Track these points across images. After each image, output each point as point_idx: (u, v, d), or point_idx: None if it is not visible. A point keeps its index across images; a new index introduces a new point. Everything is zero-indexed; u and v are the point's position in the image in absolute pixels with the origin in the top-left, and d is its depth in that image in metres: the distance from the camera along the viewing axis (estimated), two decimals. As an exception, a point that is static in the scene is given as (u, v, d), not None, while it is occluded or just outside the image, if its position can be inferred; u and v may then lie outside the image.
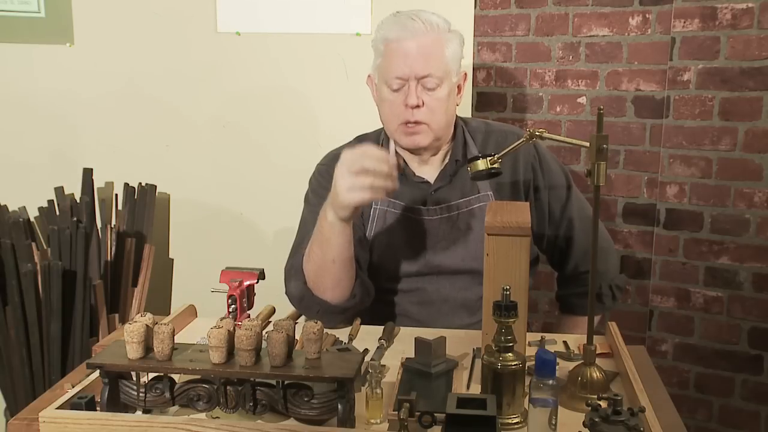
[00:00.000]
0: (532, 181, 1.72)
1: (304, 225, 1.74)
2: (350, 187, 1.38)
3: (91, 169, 2.40)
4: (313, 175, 1.78)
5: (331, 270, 1.52)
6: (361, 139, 1.79)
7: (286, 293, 1.65)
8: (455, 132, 1.74)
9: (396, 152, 1.62)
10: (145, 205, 2.40)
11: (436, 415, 1.04)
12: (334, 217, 1.46)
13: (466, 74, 1.71)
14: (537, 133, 1.44)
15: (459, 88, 1.69)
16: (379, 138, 1.77)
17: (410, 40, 1.59)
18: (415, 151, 1.68)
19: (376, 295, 1.68)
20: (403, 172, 1.67)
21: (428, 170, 1.72)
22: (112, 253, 2.33)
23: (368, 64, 2.37)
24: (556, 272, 1.82)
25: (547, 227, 1.74)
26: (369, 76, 1.73)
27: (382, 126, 1.73)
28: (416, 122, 1.61)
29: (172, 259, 2.58)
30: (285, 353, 1.10)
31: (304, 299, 1.58)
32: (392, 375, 1.31)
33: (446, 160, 1.72)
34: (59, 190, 2.38)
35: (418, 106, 1.59)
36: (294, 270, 1.61)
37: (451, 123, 1.70)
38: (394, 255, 1.68)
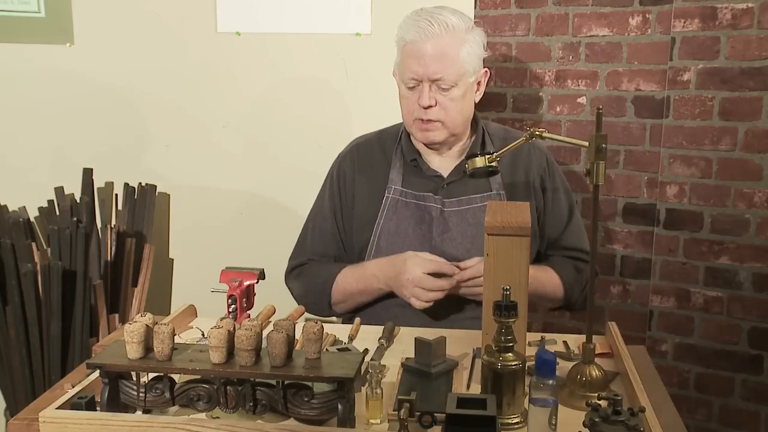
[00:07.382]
0: (541, 185, 1.78)
1: (312, 220, 1.84)
2: (417, 296, 1.58)
3: (91, 169, 2.39)
4: (333, 166, 1.84)
5: (356, 300, 1.74)
6: (383, 132, 1.85)
7: (287, 284, 1.82)
8: (476, 131, 1.78)
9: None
10: (145, 205, 2.40)
11: (436, 415, 1.04)
12: (385, 289, 1.66)
13: (487, 71, 1.75)
14: (537, 133, 1.44)
15: (479, 84, 1.74)
16: (399, 131, 1.82)
17: (425, 42, 1.62)
18: (430, 145, 1.74)
19: None
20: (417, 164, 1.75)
21: (443, 164, 1.77)
22: (112, 253, 2.32)
23: (368, 64, 2.39)
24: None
25: (546, 223, 1.80)
26: (394, 70, 1.78)
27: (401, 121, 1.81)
28: (429, 120, 1.67)
29: (172, 259, 2.58)
30: (285, 353, 1.10)
31: (311, 304, 1.77)
32: (392, 375, 1.31)
33: (462, 157, 1.76)
34: (59, 190, 2.38)
35: (430, 107, 1.65)
36: (300, 273, 1.78)
37: (468, 119, 1.74)
38: (401, 242, 1.72)
